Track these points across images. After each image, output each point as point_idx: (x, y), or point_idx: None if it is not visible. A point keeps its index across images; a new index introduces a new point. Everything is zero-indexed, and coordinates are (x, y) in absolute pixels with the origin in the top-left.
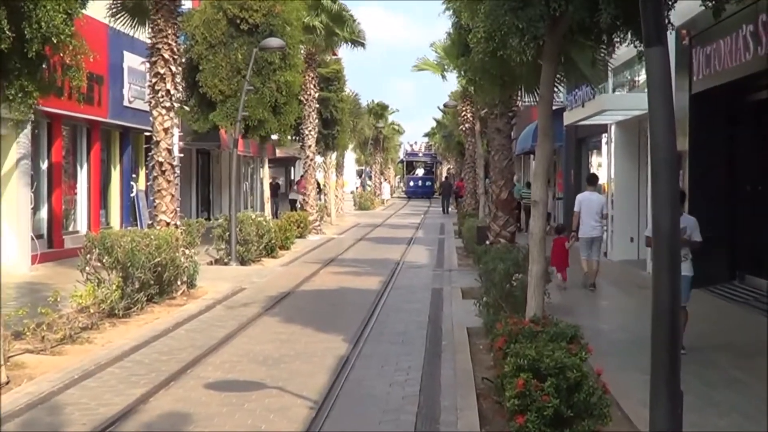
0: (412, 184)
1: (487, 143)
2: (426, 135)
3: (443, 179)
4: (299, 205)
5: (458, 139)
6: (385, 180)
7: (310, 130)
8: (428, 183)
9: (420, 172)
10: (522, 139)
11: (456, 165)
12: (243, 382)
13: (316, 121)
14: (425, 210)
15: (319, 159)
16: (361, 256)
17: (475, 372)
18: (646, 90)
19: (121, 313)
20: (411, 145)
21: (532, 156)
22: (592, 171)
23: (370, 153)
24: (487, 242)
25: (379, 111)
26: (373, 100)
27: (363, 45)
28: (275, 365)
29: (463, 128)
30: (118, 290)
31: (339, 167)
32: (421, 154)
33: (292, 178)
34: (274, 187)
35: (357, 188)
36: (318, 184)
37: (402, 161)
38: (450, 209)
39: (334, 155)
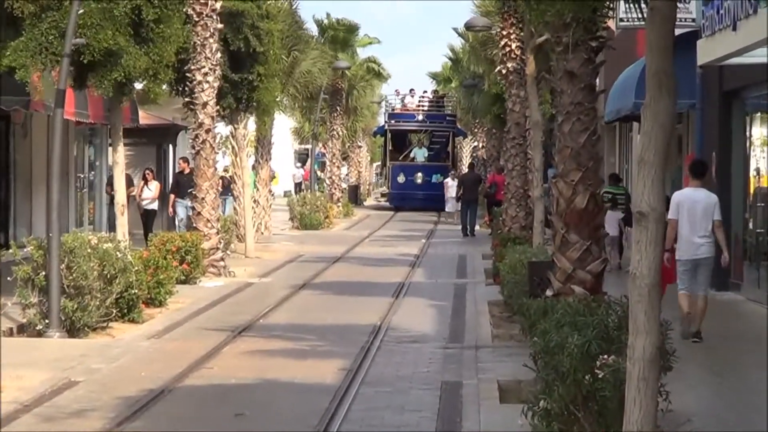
0: (402, 179)
1: (550, 99)
2: (433, 80)
3: (464, 170)
4: (180, 223)
5: (493, 91)
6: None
7: (205, 74)
8: (436, 176)
9: (419, 154)
10: (616, 93)
11: (489, 142)
12: None
13: (219, 56)
14: (429, 229)
15: (223, 129)
16: (304, 318)
17: None
18: None
19: None
20: (401, 98)
21: (635, 125)
22: (704, 156)
23: (324, 119)
24: (549, 292)
25: (342, 36)
26: (328, 16)
27: None
28: None
29: (504, 71)
30: None
31: (263, 145)
32: (420, 116)
33: (170, 164)
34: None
35: (301, 187)
36: (222, 179)
37: (382, 131)
38: (477, 227)
39: (251, 123)
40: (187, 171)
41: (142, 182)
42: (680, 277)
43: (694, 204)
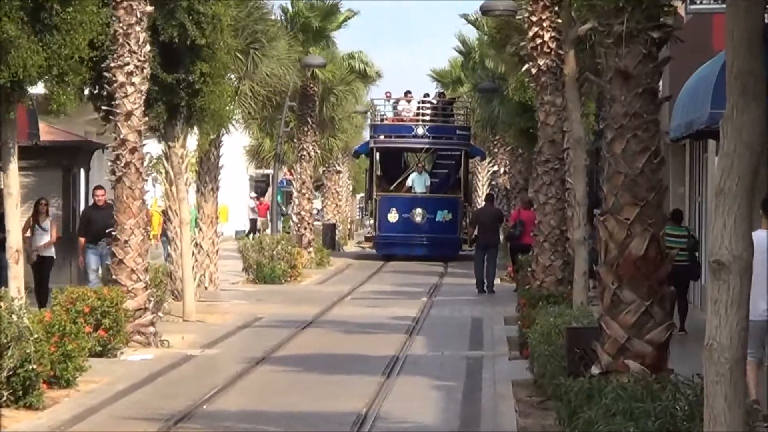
0: (394, 217)
1: (596, 111)
2: (437, 82)
3: (481, 204)
4: (92, 275)
5: (517, 97)
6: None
7: (130, 74)
8: (442, 213)
9: (419, 182)
10: (685, 100)
11: (514, 166)
12: None
13: (148, 49)
14: (432, 284)
15: (154, 148)
16: (264, 404)
17: None
18: None
19: None
20: (393, 103)
21: (711, 144)
22: None
23: (290, 135)
24: (595, 369)
25: (314, 22)
26: None
27: None
28: None
29: (534, 70)
30: None
31: (208, 169)
32: (421, 128)
33: (83, 193)
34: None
35: (258, 226)
36: (163, 213)
37: (366, 150)
38: (498, 280)
39: (192, 140)
40: (102, 203)
41: (36, 218)
42: (749, 339)
43: (763, 251)
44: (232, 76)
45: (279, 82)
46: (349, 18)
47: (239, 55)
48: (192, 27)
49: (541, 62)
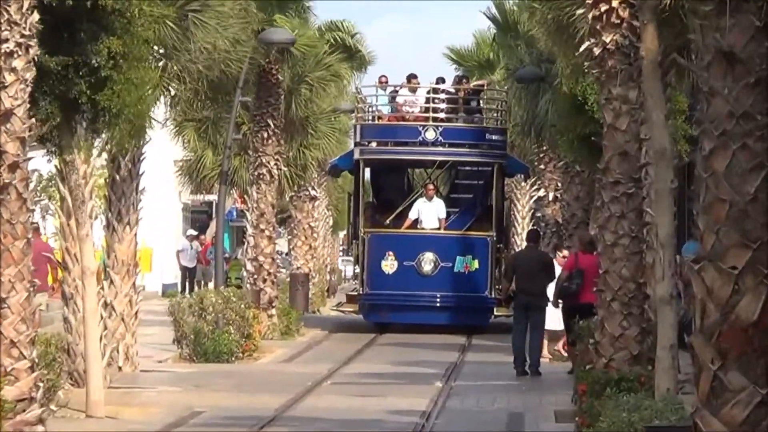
0: (390, 267)
1: (687, 110)
2: (456, 66)
3: (521, 245)
4: None
5: (571, 89)
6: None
7: (9, 56)
8: (464, 259)
9: (429, 212)
10: None
11: (568, 189)
12: None
13: (36, 19)
14: (451, 362)
15: (44, 164)
16: None
17: None
18: None
19: None
20: (390, 93)
21: None
22: None
23: (243, 144)
24: None
25: None
26: None
27: None
28: None
29: (597, 50)
30: None
31: (122, 195)
32: (431, 132)
33: None
34: None
35: (196, 275)
36: (51, 258)
37: (349, 164)
38: (546, 358)
39: (96, 152)
40: None
41: None
42: None
43: None
44: (158, 54)
45: (226, 58)
46: None
47: (169, 22)
48: None
49: (607, 39)
